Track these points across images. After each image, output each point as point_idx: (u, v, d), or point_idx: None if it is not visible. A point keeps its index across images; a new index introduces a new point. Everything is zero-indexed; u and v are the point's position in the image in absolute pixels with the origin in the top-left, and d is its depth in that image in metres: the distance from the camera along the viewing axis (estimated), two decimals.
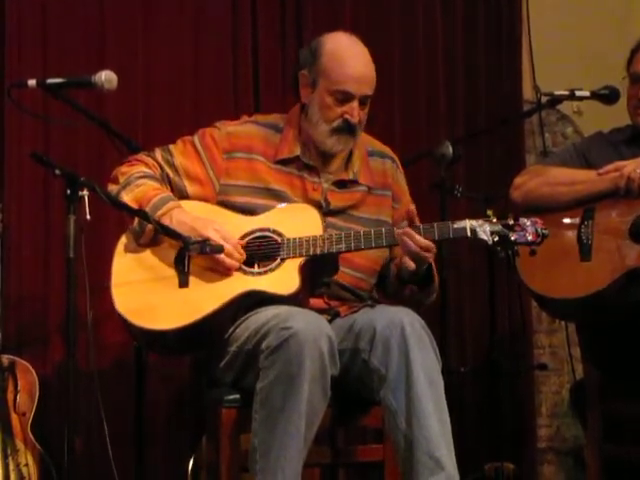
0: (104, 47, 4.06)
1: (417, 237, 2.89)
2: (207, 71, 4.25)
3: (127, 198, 3.01)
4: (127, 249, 3.05)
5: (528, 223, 2.90)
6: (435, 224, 2.92)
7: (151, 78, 4.15)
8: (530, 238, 2.89)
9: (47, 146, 3.94)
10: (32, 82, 3.08)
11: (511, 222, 2.90)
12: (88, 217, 2.74)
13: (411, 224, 2.95)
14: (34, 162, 2.91)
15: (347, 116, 3.05)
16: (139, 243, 3.03)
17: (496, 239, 2.88)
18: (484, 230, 2.89)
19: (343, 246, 2.94)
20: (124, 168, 3.11)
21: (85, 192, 2.76)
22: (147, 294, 2.96)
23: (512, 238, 2.88)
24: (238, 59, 4.30)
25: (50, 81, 3.09)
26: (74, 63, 3.97)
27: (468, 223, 2.90)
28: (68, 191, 2.76)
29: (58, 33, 4.00)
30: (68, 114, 3.37)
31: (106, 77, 3.03)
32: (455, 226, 2.91)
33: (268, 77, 4.34)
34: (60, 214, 2.94)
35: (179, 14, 4.22)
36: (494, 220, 2.90)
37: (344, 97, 3.04)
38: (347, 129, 3.07)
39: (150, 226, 2.96)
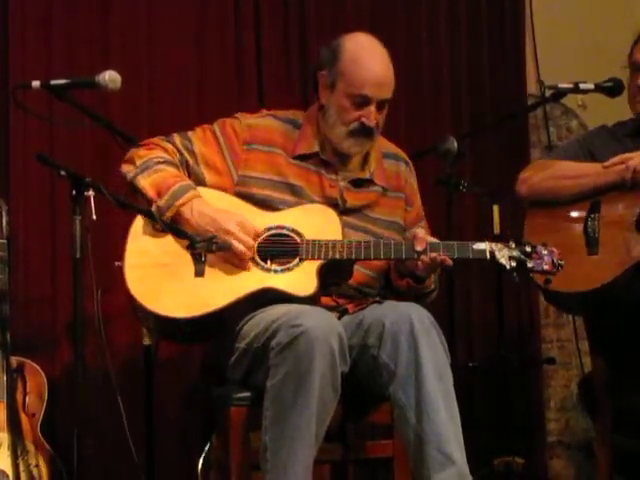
0: (108, 47, 4.06)
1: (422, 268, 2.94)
2: (211, 71, 4.25)
3: (144, 182, 2.99)
4: (144, 231, 3.01)
5: (545, 252, 2.96)
6: (455, 243, 2.94)
7: (155, 78, 4.15)
8: (546, 267, 2.95)
9: (52, 147, 3.94)
10: (36, 83, 3.07)
11: (529, 249, 2.95)
12: (94, 217, 2.75)
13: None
14: (39, 163, 2.92)
15: (364, 119, 3.04)
16: (156, 228, 2.99)
17: (513, 264, 2.93)
18: (503, 255, 2.93)
19: (362, 253, 2.94)
20: (142, 151, 3.07)
21: (91, 192, 2.76)
22: (162, 279, 2.93)
23: (529, 265, 2.94)
24: (242, 59, 4.29)
25: (54, 82, 3.07)
26: (78, 63, 3.98)
27: (488, 246, 2.94)
28: (74, 192, 2.77)
29: (62, 34, 4.01)
30: (73, 114, 3.37)
31: (110, 77, 3.02)
32: (475, 247, 2.94)
33: (272, 78, 4.33)
34: (66, 215, 2.94)
35: (183, 15, 4.22)
36: (513, 245, 2.95)
37: (362, 100, 3.04)
38: (364, 132, 3.07)
39: (169, 212, 2.94)
